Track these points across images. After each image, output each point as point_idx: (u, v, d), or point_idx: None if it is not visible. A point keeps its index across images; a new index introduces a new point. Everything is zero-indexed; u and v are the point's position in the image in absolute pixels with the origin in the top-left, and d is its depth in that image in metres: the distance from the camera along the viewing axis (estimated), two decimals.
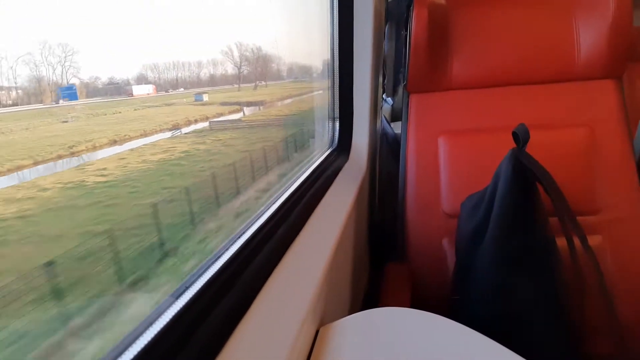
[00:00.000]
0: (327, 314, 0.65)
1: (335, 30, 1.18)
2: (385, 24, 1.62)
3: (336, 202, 0.92)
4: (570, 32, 1.14)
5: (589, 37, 1.12)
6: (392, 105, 2.41)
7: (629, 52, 1.12)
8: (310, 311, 0.53)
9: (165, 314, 0.44)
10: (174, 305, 0.46)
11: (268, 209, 0.76)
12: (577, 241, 0.88)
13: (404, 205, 1.23)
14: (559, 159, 1.06)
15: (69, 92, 1.11)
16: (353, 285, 1.00)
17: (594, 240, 1.02)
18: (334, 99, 1.25)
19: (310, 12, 1.18)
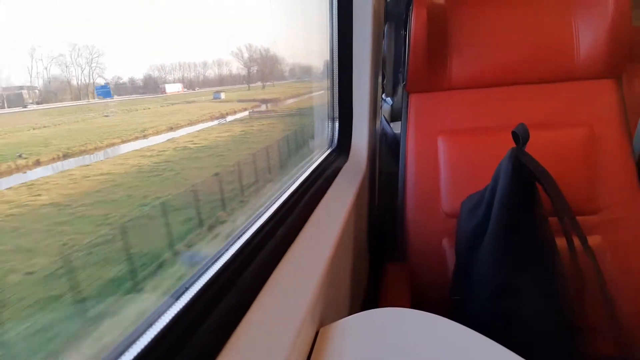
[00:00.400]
0: (326, 315, 0.65)
1: (334, 31, 1.18)
2: (385, 24, 1.62)
3: (336, 202, 0.92)
4: (569, 32, 1.14)
5: (588, 36, 1.12)
6: (391, 105, 2.41)
7: (628, 51, 1.12)
8: (309, 312, 0.53)
9: (165, 314, 0.44)
10: (174, 306, 0.46)
11: (268, 209, 0.75)
12: (576, 241, 0.88)
13: (403, 205, 1.23)
14: (559, 159, 1.06)
15: (104, 91, 1.20)
16: (353, 286, 1.00)
17: (593, 240, 1.02)
18: (333, 99, 1.25)
19: (311, 13, 1.18)
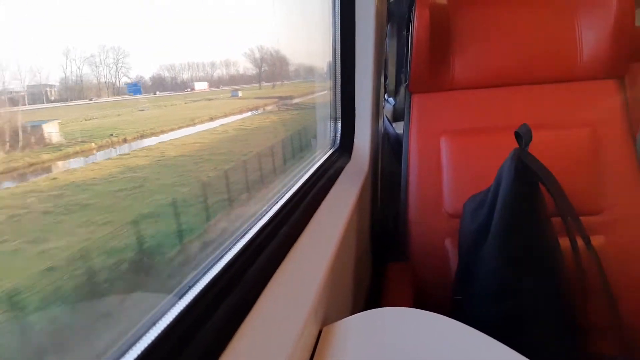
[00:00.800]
0: (329, 314, 0.65)
1: (337, 31, 1.18)
2: (387, 24, 1.62)
3: (338, 202, 0.92)
4: (573, 32, 1.14)
5: (592, 37, 1.12)
6: (393, 106, 2.41)
7: (632, 52, 1.11)
8: (313, 311, 0.53)
9: (168, 313, 0.44)
10: (177, 305, 0.46)
11: (271, 209, 0.76)
12: (579, 241, 0.88)
13: (406, 206, 1.22)
14: (562, 159, 1.06)
15: (135, 88, 1.32)
16: (355, 285, 1.00)
17: (596, 240, 1.02)
18: (335, 99, 1.25)
19: (315, 14, 1.18)
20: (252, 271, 0.56)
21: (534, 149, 0.87)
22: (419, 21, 1.13)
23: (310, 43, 1.14)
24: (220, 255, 0.58)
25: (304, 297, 0.55)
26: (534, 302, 0.87)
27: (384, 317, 0.61)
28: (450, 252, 1.15)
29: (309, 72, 1.17)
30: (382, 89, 1.51)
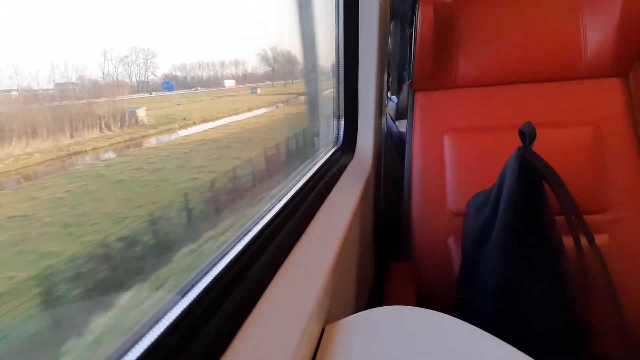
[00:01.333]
0: (332, 312, 0.65)
1: (340, 29, 1.17)
2: (390, 22, 1.61)
3: (341, 200, 0.92)
4: (577, 30, 1.13)
5: (596, 35, 1.11)
6: (396, 104, 2.40)
7: (636, 50, 1.11)
8: (316, 309, 0.53)
9: (171, 312, 0.44)
10: (179, 304, 0.46)
11: (274, 207, 0.75)
12: (583, 240, 0.88)
13: (409, 204, 1.22)
14: (566, 158, 1.05)
15: (167, 85, 1.46)
16: (358, 284, 1.00)
17: (600, 239, 1.01)
18: (339, 97, 1.25)
19: (323, 16, 1.19)
20: (255, 269, 0.56)
21: (538, 147, 0.87)
22: (422, 19, 1.12)
23: (319, 44, 1.16)
24: (224, 253, 0.58)
25: (307, 295, 0.55)
26: (537, 300, 0.87)
27: (387, 316, 0.61)
28: (454, 250, 1.15)
29: (314, 71, 1.19)
30: (385, 87, 1.50)
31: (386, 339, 0.56)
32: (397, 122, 1.93)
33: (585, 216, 0.88)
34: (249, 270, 0.55)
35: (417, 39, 1.15)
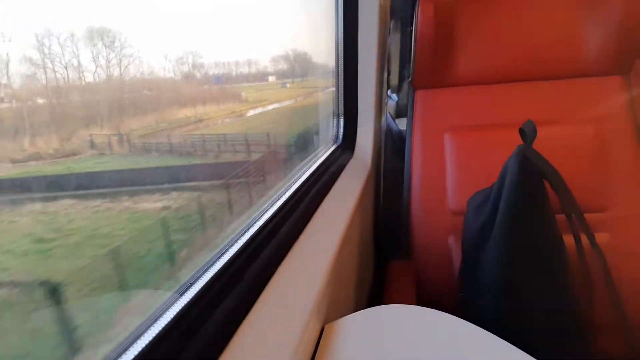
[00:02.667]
0: (332, 311, 0.65)
1: (340, 26, 1.17)
2: (390, 20, 1.61)
3: (341, 198, 0.91)
4: (578, 28, 1.13)
5: (597, 33, 1.11)
6: (396, 102, 2.40)
7: (637, 48, 1.10)
8: (315, 308, 0.53)
9: (170, 310, 0.44)
10: (178, 302, 0.46)
11: (273, 205, 0.75)
12: (584, 239, 0.88)
13: (409, 203, 1.22)
14: (566, 156, 1.05)
15: (218, 79, 1.69)
16: (358, 283, 1.00)
17: (601, 237, 1.01)
18: (338, 95, 1.24)
19: (322, 13, 1.19)
20: (254, 267, 0.55)
21: (538, 145, 0.87)
22: (423, 16, 1.12)
23: (328, 44, 1.20)
24: (223, 252, 0.58)
25: (307, 294, 0.54)
26: (538, 299, 0.86)
27: (387, 315, 0.61)
28: (454, 249, 1.14)
29: (325, 69, 1.24)
30: (385, 85, 1.50)
31: (386, 338, 0.55)
32: (396, 121, 1.93)
33: (585, 215, 0.87)
34: (248, 268, 0.55)
35: (418, 36, 1.14)
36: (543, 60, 1.15)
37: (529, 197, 0.86)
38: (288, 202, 0.77)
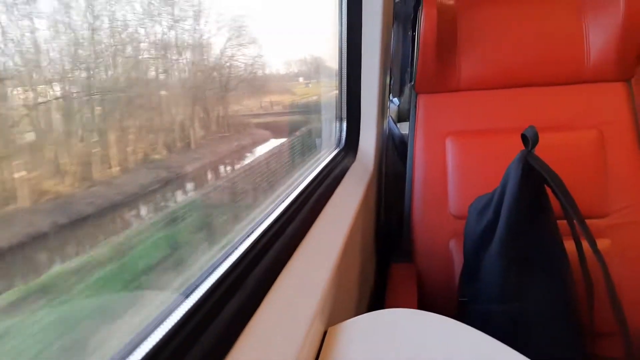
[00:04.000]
0: (335, 315, 0.65)
1: (343, 30, 1.17)
2: (392, 24, 1.61)
3: (343, 202, 0.92)
4: (580, 34, 1.13)
5: (599, 39, 1.11)
6: (398, 106, 2.40)
7: (639, 54, 1.11)
8: (318, 311, 0.53)
9: (175, 313, 0.44)
10: (183, 305, 0.46)
11: (276, 209, 0.75)
12: (585, 244, 0.88)
13: (410, 207, 1.22)
14: (568, 162, 1.05)
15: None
16: (360, 286, 1.00)
17: (602, 243, 1.01)
18: (341, 99, 1.25)
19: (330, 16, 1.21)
20: (258, 271, 0.56)
21: (540, 151, 0.87)
22: (425, 21, 1.12)
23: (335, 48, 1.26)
24: (227, 255, 0.58)
25: (310, 298, 0.55)
26: (539, 304, 0.87)
27: (389, 318, 0.61)
28: (455, 253, 1.14)
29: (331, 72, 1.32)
30: (388, 89, 1.50)
31: (388, 342, 0.56)
32: (398, 125, 1.93)
33: (587, 220, 0.88)
34: (251, 272, 0.55)
35: (420, 41, 1.15)
36: (545, 66, 1.15)
37: (531, 202, 0.86)
38: (292, 205, 0.77)
